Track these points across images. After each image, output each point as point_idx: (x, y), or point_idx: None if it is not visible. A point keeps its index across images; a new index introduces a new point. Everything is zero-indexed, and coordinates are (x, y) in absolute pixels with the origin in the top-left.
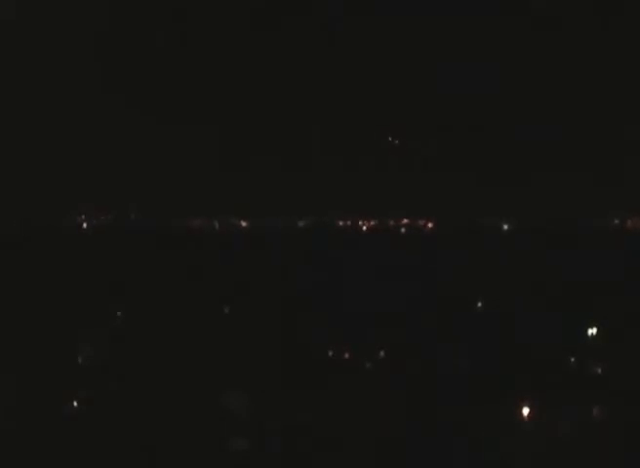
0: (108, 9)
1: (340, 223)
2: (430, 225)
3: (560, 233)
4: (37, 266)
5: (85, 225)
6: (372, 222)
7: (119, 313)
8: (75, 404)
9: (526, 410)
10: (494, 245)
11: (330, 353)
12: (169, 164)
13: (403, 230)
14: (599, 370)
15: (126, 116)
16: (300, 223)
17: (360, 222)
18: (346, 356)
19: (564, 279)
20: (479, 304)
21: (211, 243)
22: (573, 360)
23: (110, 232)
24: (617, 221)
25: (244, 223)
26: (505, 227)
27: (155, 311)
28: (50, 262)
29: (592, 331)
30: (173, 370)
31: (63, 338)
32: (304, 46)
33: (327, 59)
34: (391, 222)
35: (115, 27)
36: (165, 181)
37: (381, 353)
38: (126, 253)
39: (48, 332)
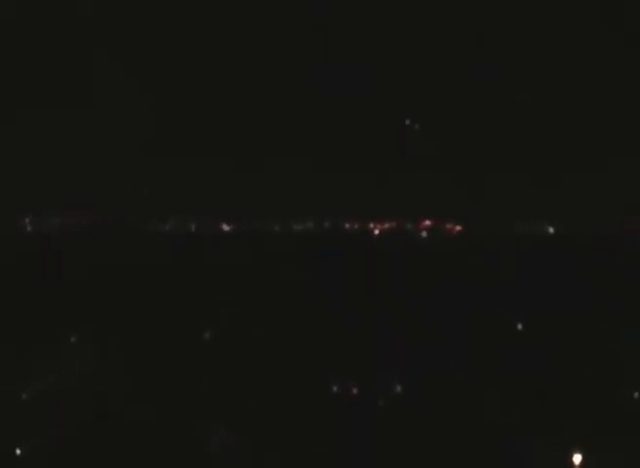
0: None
1: (347, 226)
2: (458, 229)
3: (560, 233)
4: (27, 268)
5: (77, 227)
6: (385, 225)
7: (108, 317)
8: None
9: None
10: (530, 253)
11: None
12: (167, 166)
13: (424, 234)
14: None
15: (124, 117)
16: (297, 227)
17: (371, 225)
18: (353, 384)
19: (564, 279)
20: (519, 326)
21: (208, 246)
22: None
23: (105, 234)
24: (616, 221)
25: (241, 226)
26: (551, 231)
27: (147, 316)
28: (41, 264)
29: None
30: (161, 374)
31: (50, 342)
32: (303, 45)
33: (327, 56)
34: (409, 225)
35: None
36: (165, 182)
37: (395, 382)
38: (120, 256)
39: (35, 335)
